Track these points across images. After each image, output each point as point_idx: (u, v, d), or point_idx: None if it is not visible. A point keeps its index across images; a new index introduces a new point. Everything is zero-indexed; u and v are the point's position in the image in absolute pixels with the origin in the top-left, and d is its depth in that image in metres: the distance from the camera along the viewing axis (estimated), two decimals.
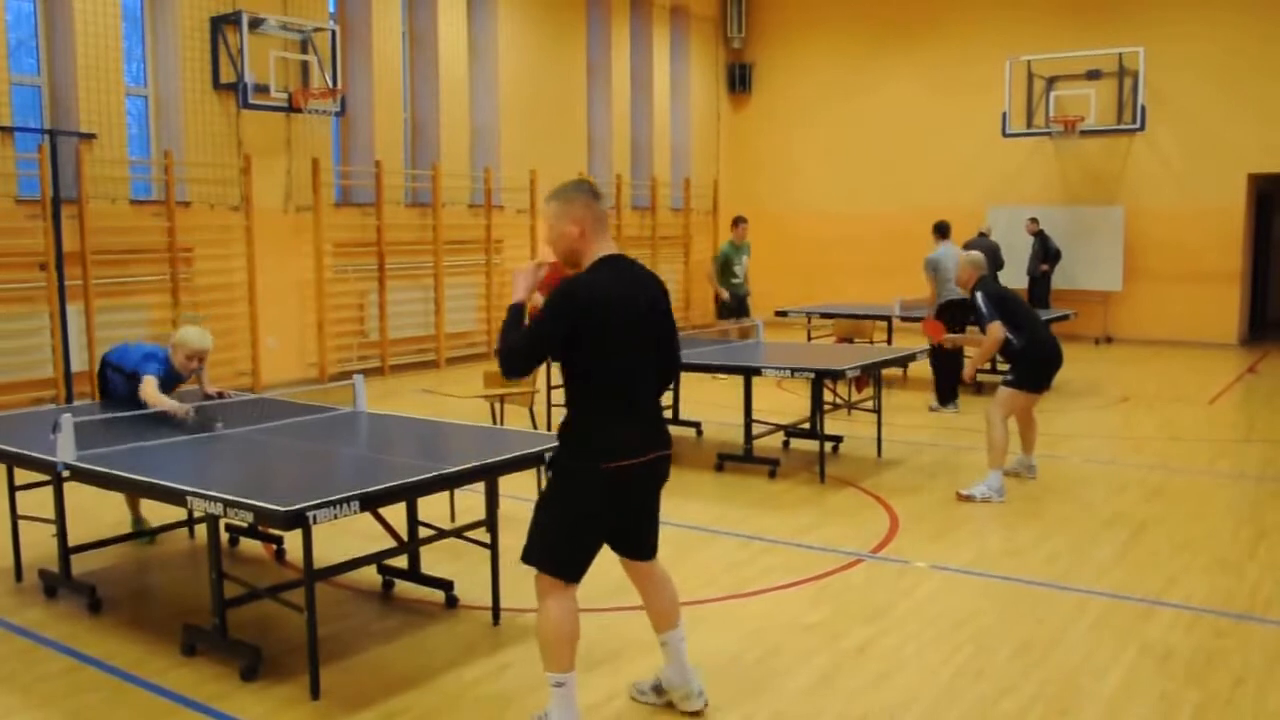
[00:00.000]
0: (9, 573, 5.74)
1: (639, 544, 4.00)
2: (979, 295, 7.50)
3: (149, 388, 5.72)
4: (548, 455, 4.85)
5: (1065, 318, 13.09)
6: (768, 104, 19.94)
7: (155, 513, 6.50)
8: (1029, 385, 7.49)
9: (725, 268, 13.23)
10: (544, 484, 3.81)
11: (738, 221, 13.48)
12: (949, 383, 10.76)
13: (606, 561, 5.78)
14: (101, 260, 10.67)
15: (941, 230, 11.28)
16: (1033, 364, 7.49)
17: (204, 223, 11.69)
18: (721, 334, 11.57)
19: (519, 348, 3.69)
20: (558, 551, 3.72)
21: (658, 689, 4.13)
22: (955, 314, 10.41)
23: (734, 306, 13.18)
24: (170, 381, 6.02)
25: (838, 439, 8.78)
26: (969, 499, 7.18)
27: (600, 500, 3.71)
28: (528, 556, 3.76)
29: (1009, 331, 7.43)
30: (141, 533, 6.33)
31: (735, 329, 12.06)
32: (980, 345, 7.67)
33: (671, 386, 4.03)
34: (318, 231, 12.69)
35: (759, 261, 19.73)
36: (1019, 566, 5.86)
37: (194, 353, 6.04)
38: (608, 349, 3.67)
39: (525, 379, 7.22)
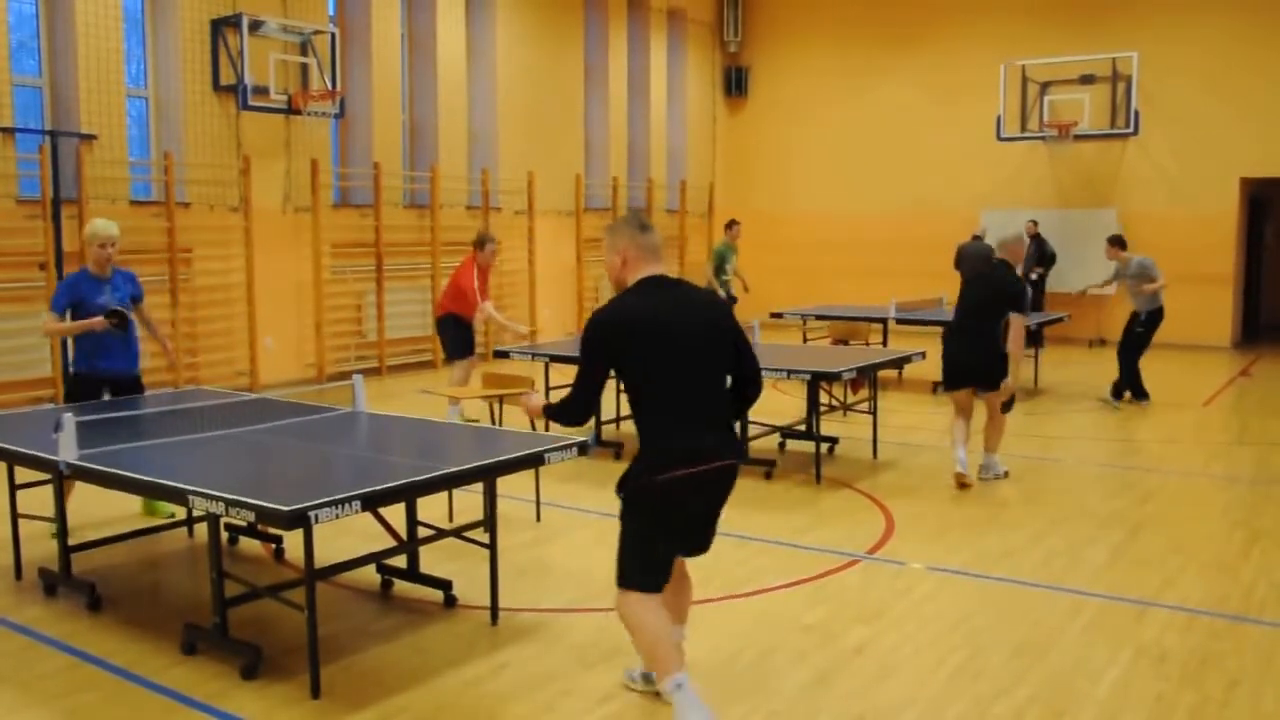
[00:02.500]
0: (9, 571, 5.75)
1: (690, 547, 4.08)
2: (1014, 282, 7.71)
3: (45, 325, 6.18)
4: (548, 456, 4.90)
5: (1060, 320, 13.13)
6: (764, 107, 19.98)
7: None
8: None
9: (720, 267, 13.77)
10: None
11: (732, 224, 14.16)
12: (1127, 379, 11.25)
13: (597, 561, 5.81)
14: None
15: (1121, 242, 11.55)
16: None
17: (203, 223, 11.71)
18: None
19: (569, 400, 3.91)
20: (636, 566, 3.84)
21: (648, 678, 4.21)
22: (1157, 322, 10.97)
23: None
24: (90, 292, 6.32)
25: (834, 440, 8.81)
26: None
27: (659, 511, 3.82)
28: (623, 581, 3.87)
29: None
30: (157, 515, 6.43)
31: None
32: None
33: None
34: (316, 232, 12.71)
35: (757, 263, 19.84)
36: (1015, 568, 5.89)
37: (101, 240, 6.34)
38: (652, 363, 3.78)
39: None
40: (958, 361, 7.67)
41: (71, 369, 6.57)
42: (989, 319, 7.47)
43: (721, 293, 13.42)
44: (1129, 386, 11.21)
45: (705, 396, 3.89)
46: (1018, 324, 7.39)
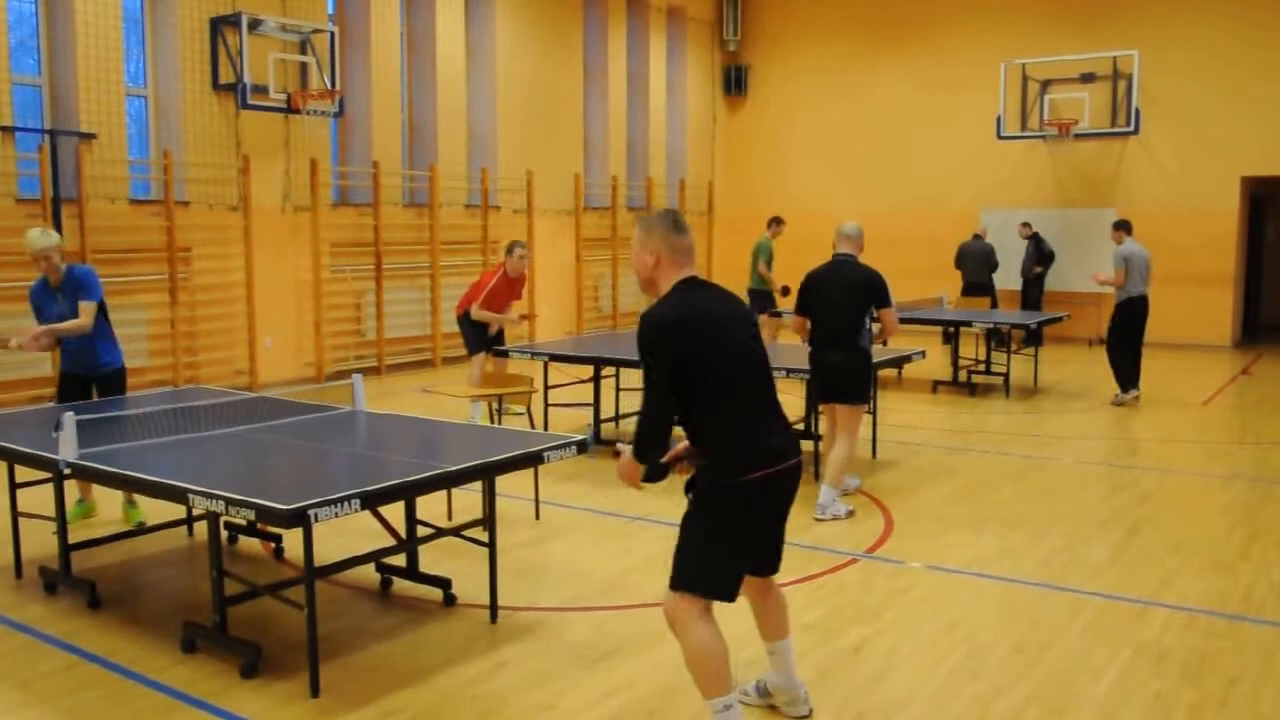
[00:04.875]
0: (9, 569, 5.76)
1: (770, 556, 3.93)
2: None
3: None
4: (547, 455, 4.90)
5: (1059, 319, 13.13)
6: (763, 106, 19.98)
7: (151, 510, 6.52)
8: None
9: (767, 261, 14.20)
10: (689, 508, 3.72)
11: (774, 221, 14.53)
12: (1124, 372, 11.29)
13: (596, 560, 5.81)
14: (101, 259, 10.63)
15: (1127, 227, 11.54)
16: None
17: (202, 222, 11.70)
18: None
19: (648, 421, 3.64)
20: (703, 570, 3.62)
21: (761, 691, 4.16)
22: (1137, 311, 11.00)
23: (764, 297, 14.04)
24: (44, 302, 6.49)
25: None
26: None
27: (738, 514, 3.62)
28: (682, 583, 3.63)
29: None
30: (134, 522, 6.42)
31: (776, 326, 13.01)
32: None
33: None
34: (315, 231, 12.71)
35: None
36: (1014, 567, 5.89)
37: (34, 254, 6.41)
38: (718, 361, 3.62)
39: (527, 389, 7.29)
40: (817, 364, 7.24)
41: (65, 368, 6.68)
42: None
43: (778, 287, 14.05)
44: (1116, 376, 11.32)
45: (770, 394, 3.79)
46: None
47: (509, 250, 9.87)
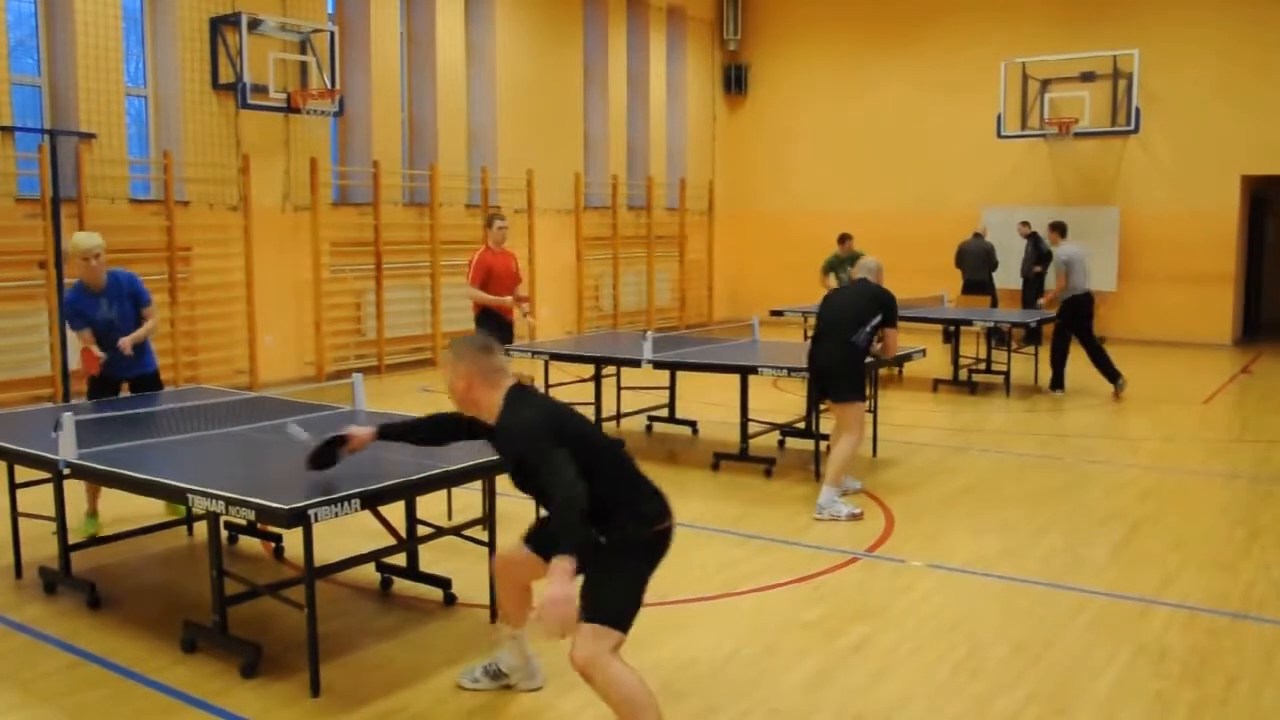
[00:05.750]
0: (9, 570, 5.75)
1: None
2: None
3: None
4: None
5: (1057, 318, 13.11)
6: (763, 105, 19.97)
7: (152, 509, 6.53)
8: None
9: (829, 272, 13.99)
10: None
11: (844, 238, 14.12)
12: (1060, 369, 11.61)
13: None
14: None
15: (1062, 229, 11.92)
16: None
17: (202, 222, 11.70)
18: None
19: (561, 492, 3.51)
20: (630, 610, 3.63)
21: (493, 673, 4.34)
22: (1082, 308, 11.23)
23: None
24: (88, 308, 6.33)
25: None
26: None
27: (650, 559, 3.76)
28: (618, 622, 3.59)
29: None
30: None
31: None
32: None
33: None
34: (315, 231, 12.71)
35: (757, 260, 19.87)
36: (1015, 566, 5.89)
37: (84, 253, 6.28)
38: (594, 437, 3.85)
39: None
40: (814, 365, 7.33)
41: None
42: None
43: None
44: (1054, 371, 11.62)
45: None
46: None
47: (488, 223, 9.35)
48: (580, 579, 3.48)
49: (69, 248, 6.45)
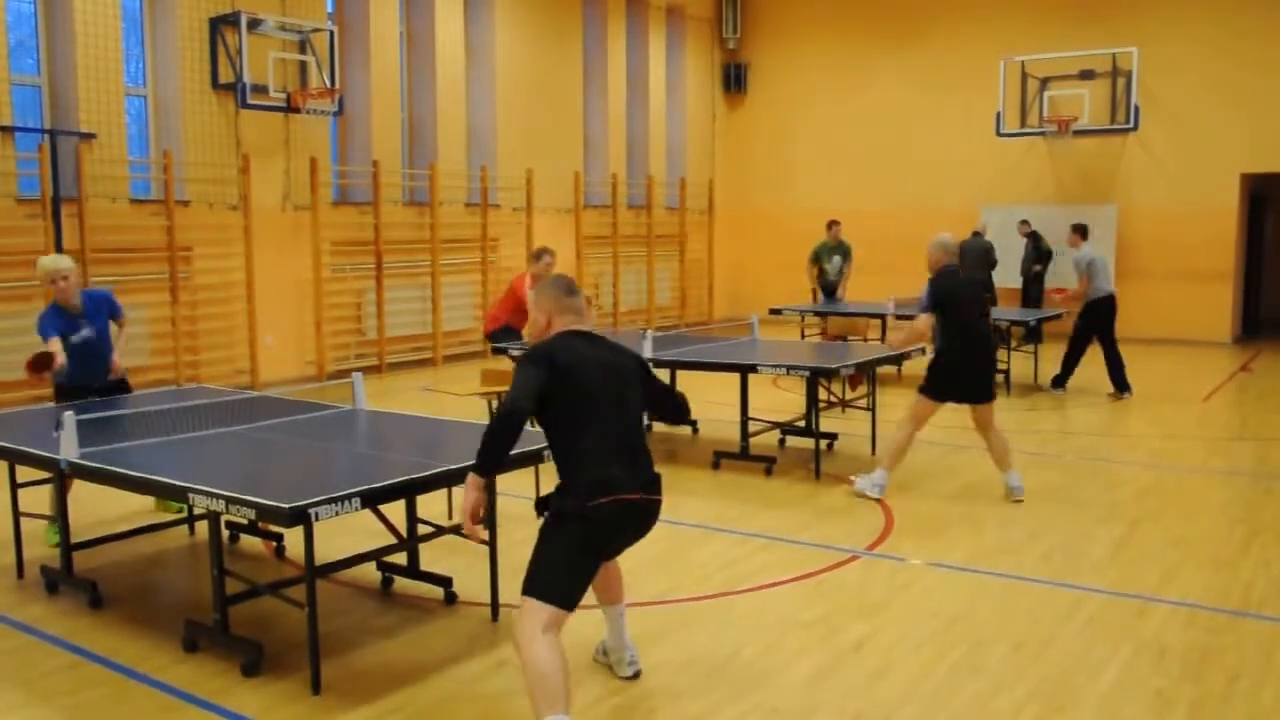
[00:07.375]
0: (10, 569, 5.76)
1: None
2: (928, 283, 7.30)
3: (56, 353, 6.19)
4: (546, 453, 4.88)
5: (1057, 317, 13.13)
6: (763, 104, 19.98)
7: (147, 507, 6.54)
8: (930, 392, 7.20)
9: (814, 261, 14.54)
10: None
11: (832, 224, 14.56)
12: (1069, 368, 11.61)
13: None
14: (101, 259, 10.68)
15: (1084, 231, 11.80)
16: (938, 371, 7.21)
17: (202, 222, 11.71)
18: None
19: (505, 399, 3.82)
20: (555, 583, 3.71)
21: (600, 652, 4.48)
22: (1105, 311, 11.18)
23: (827, 293, 14.53)
24: (67, 328, 6.32)
25: (833, 436, 8.81)
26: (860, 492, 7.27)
27: (593, 536, 3.78)
28: (532, 590, 3.71)
29: (939, 330, 7.24)
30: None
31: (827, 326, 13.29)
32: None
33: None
34: (315, 230, 12.71)
35: (757, 259, 19.86)
36: (1014, 564, 5.90)
37: (51, 276, 6.34)
38: (575, 398, 3.86)
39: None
40: (969, 367, 7.24)
41: (63, 382, 6.50)
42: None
43: (811, 285, 14.50)
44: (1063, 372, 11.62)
45: (628, 437, 3.95)
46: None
47: (537, 257, 9.18)
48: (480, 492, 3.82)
49: (38, 271, 6.43)
